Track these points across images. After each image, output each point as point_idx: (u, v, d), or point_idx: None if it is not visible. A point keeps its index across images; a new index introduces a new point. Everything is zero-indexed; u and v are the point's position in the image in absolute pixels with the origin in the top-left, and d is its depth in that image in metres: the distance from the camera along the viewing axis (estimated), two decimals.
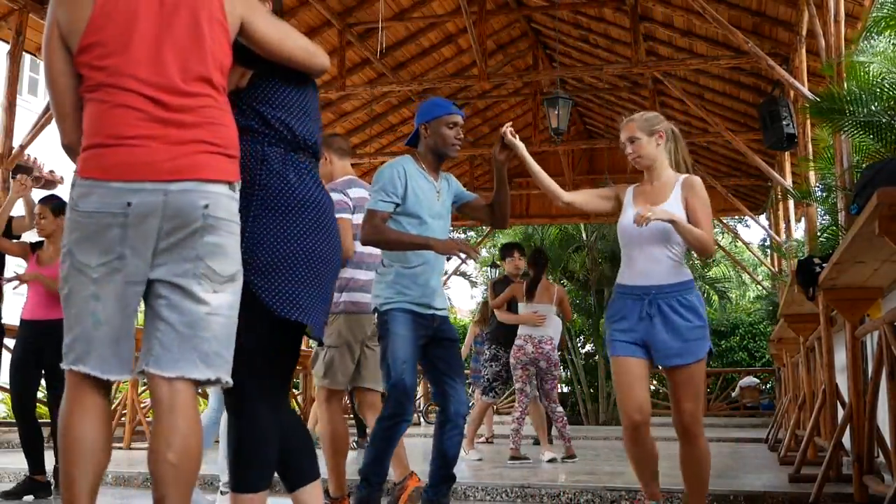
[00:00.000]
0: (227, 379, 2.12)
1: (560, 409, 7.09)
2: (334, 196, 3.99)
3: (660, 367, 3.43)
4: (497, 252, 14.48)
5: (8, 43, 8.47)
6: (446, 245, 3.54)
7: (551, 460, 6.85)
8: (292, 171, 2.37)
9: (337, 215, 3.98)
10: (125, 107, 2.05)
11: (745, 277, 23.26)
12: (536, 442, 9.24)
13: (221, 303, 2.10)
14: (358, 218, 4.04)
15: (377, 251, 4.01)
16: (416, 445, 7.95)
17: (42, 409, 10.38)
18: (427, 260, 3.64)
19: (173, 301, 2.07)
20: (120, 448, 7.49)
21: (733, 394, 16.86)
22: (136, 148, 2.04)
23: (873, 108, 4.56)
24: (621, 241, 3.50)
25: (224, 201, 2.11)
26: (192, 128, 2.08)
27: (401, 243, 3.54)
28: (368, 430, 4.09)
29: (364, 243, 3.64)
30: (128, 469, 5.75)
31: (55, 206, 5.05)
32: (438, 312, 3.66)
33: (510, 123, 3.58)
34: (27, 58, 11.80)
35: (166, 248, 2.06)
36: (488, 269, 20.35)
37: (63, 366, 2.08)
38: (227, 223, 2.12)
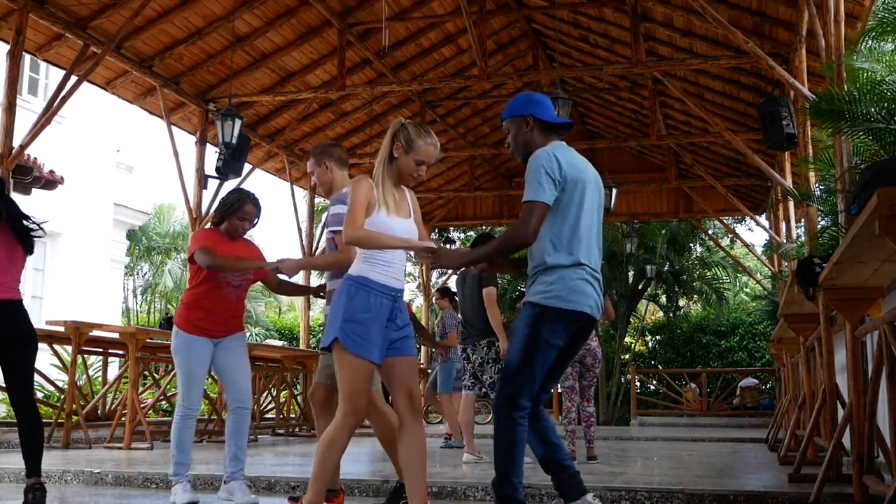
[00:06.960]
0: None
1: (592, 408, 7.05)
2: (341, 209, 3.96)
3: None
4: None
5: (8, 43, 8.45)
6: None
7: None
8: None
9: (338, 228, 3.97)
10: None
11: (740, 280, 23.19)
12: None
13: None
14: None
15: None
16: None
17: (44, 410, 10.38)
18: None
19: None
20: (120, 448, 7.49)
21: (734, 399, 16.76)
22: None
23: (873, 110, 4.54)
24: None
25: None
26: None
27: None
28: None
29: None
30: (128, 469, 5.74)
31: None
32: None
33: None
34: (27, 58, 11.77)
35: None
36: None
37: None
38: None
